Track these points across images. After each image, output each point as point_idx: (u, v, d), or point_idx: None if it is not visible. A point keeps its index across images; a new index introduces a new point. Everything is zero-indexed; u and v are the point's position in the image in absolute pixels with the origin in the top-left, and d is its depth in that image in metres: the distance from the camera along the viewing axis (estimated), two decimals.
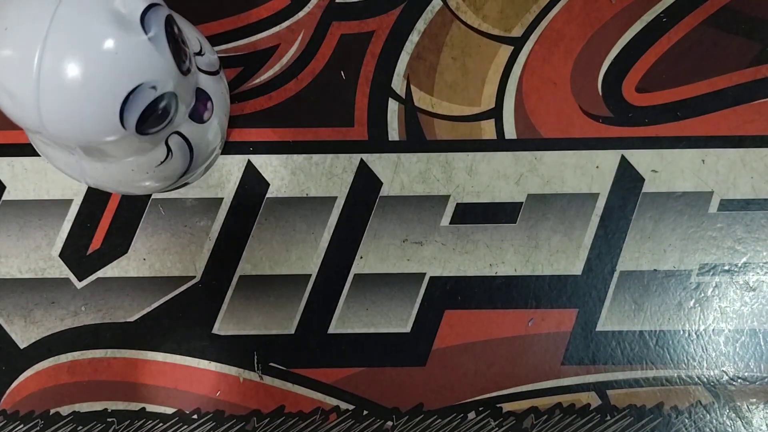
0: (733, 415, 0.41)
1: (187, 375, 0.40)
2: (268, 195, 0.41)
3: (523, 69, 0.43)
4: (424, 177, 0.42)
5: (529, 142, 0.42)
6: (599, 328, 0.41)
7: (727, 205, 0.42)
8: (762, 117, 0.43)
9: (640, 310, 0.41)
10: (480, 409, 0.41)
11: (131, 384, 0.40)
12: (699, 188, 0.42)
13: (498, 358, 0.41)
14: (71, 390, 0.40)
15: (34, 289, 0.41)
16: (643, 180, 0.42)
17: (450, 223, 0.41)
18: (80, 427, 0.40)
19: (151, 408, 0.40)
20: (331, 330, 0.41)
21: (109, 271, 0.41)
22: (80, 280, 0.41)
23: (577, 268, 0.41)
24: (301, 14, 0.43)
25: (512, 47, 0.43)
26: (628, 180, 0.42)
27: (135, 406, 0.40)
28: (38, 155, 0.37)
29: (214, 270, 0.41)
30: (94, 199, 0.41)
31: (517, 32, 0.43)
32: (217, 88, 0.37)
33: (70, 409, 0.40)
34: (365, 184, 0.42)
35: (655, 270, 0.41)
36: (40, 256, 0.41)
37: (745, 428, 0.41)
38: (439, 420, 0.40)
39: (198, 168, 0.38)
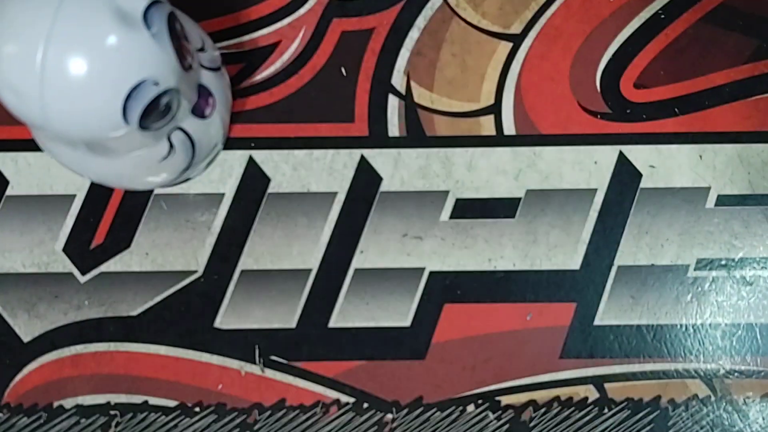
0: (730, 408, 0.41)
1: (189, 368, 0.41)
2: (269, 190, 0.42)
3: (522, 65, 0.43)
4: (423, 172, 0.42)
5: (527, 138, 0.42)
6: (597, 322, 0.41)
7: (724, 200, 0.42)
8: (759, 113, 0.43)
9: (637, 304, 0.42)
10: (479, 402, 0.41)
11: (134, 377, 0.41)
12: (696, 184, 0.42)
13: (496, 351, 0.41)
14: (74, 383, 0.41)
15: (38, 283, 0.41)
16: (640, 175, 0.42)
17: (449, 218, 0.42)
18: (83, 420, 0.40)
19: (153, 401, 0.41)
20: (332, 324, 0.41)
21: (112, 265, 0.41)
22: (83, 274, 0.41)
23: (575, 262, 0.42)
24: (302, 11, 0.43)
25: (511, 44, 0.43)
26: (625, 175, 0.42)
27: (137, 399, 0.40)
28: (42, 151, 0.38)
29: (216, 264, 0.41)
30: (97, 194, 0.41)
31: (516, 29, 0.43)
32: (218, 84, 0.37)
33: (73, 402, 0.40)
34: (365, 179, 0.42)
35: (652, 265, 0.42)
36: (43, 250, 0.41)
37: (741, 421, 0.41)
38: (439, 413, 0.41)
39: (200, 163, 0.38)
